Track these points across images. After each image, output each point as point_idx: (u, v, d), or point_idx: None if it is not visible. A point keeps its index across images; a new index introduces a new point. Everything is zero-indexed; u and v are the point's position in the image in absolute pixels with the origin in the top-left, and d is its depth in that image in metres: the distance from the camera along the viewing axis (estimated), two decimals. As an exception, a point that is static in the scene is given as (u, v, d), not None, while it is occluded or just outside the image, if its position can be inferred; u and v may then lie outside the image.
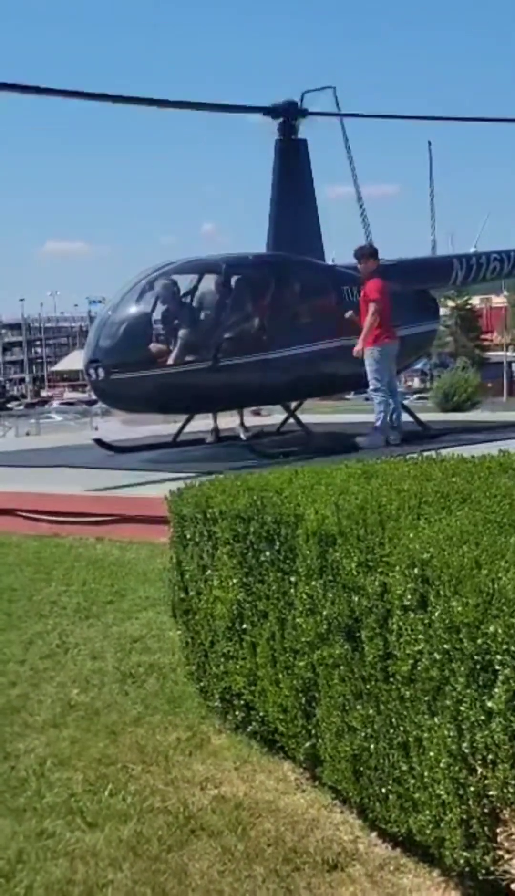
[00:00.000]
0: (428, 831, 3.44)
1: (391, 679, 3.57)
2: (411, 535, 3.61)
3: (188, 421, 15.90)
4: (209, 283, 14.19)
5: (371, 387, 13.64)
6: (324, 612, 3.98)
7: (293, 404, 15.81)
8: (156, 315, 13.80)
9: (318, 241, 15.15)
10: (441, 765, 3.29)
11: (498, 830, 3.13)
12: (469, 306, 78.31)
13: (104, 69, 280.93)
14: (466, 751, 3.17)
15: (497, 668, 3.03)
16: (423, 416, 16.24)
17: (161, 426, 18.29)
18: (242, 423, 15.73)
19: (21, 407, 69.21)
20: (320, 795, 4.23)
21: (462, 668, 3.16)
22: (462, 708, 3.17)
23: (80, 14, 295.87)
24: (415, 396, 43.21)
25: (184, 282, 14.28)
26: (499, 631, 3.01)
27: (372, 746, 3.72)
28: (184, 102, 15.51)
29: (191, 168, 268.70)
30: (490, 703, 3.05)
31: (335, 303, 14.34)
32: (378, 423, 13.56)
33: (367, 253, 14.07)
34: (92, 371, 13.29)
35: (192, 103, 15.43)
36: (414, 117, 19.31)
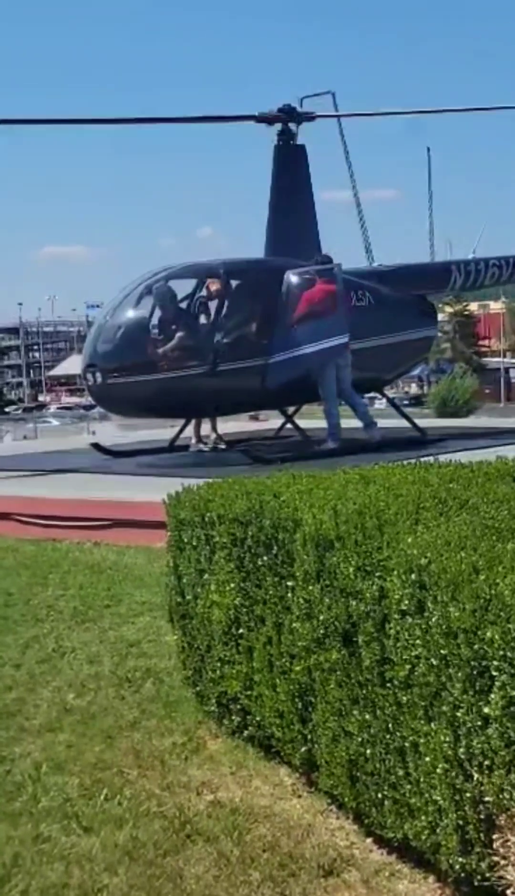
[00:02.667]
0: (423, 837, 3.44)
1: (388, 684, 3.57)
2: (409, 540, 3.61)
3: (185, 425, 15.90)
4: (206, 288, 14.19)
5: None
6: (321, 617, 3.97)
7: (290, 409, 15.81)
8: (154, 320, 13.80)
9: (316, 245, 15.15)
10: (438, 770, 3.29)
11: (494, 836, 3.12)
12: (466, 312, 78.35)
13: (97, 72, 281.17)
14: (462, 756, 3.17)
15: (494, 673, 3.03)
16: (421, 422, 16.24)
17: (158, 430, 18.27)
18: (197, 434, 15.66)
19: (18, 411, 69.17)
20: (316, 801, 4.23)
21: (460, 674, 3.16)
22: (458, 713, 3.17)
23: (73, 14, 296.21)
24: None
25: (182, 287, 14.28)
26: (496, 637, 3.01)
27: (368, 752, 3.72)
28: (182, 118, 15.61)
29: (188, 172, 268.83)
30: (486, 709, 3.05)
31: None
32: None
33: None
34: (89, 375, 13.31)
35: (190, 118, 15.51)
36: (406, 112, 18.98)
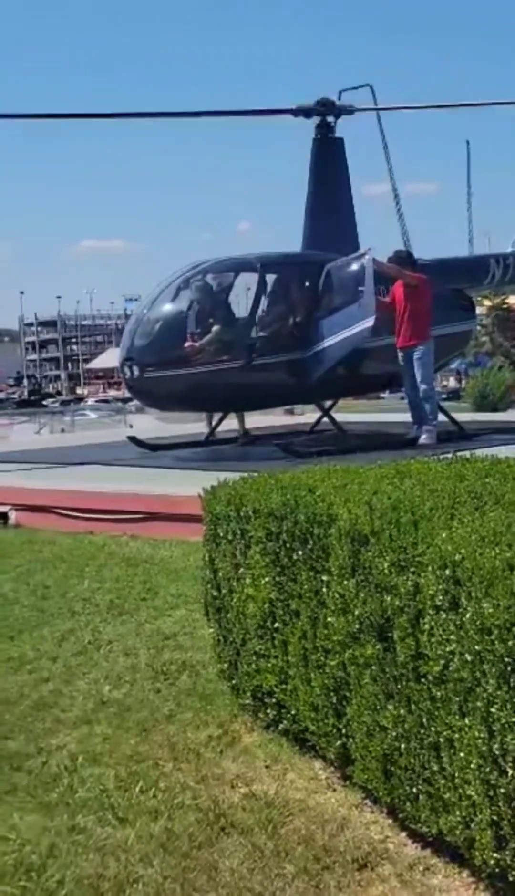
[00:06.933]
0: (458, 832, 3.44)
1: (422, 679, 3.57)
2: (444, 535, 3.61)
3: (222, 419, 15.94)
4: (243, 282, 14.21)
5: None
6: (356, 612, 3.98)
7: (327, 403, 15.80)
8: (191, 314, 13.84)
9: (354, 239, 15.12)
10: (472, 766, 3.28)
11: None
12: (505, 306, 77.79)
13: (138, 65, 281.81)
14: (497, 752, 3.17)
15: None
16: (458, 416, 16.18)
17: (195, 424, 18.31)
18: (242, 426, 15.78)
19: (56, 404, 69.52)
20: (350, 794, 4.23)
21: (494, 670, 3.15)
22: (493, 709, 3.16)
23: (115, 9, 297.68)
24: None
25: (219, 281, 14.31)
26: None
27: (402, 746, 3.72)
28: (219, 111, 15.69)
29: (226, 166, 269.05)
30: (521, 705, 3.04)
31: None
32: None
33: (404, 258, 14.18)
34: (127, 369, 13.37)
35: (228, 111, 15.60)
36: (444, 106, 18.97)
